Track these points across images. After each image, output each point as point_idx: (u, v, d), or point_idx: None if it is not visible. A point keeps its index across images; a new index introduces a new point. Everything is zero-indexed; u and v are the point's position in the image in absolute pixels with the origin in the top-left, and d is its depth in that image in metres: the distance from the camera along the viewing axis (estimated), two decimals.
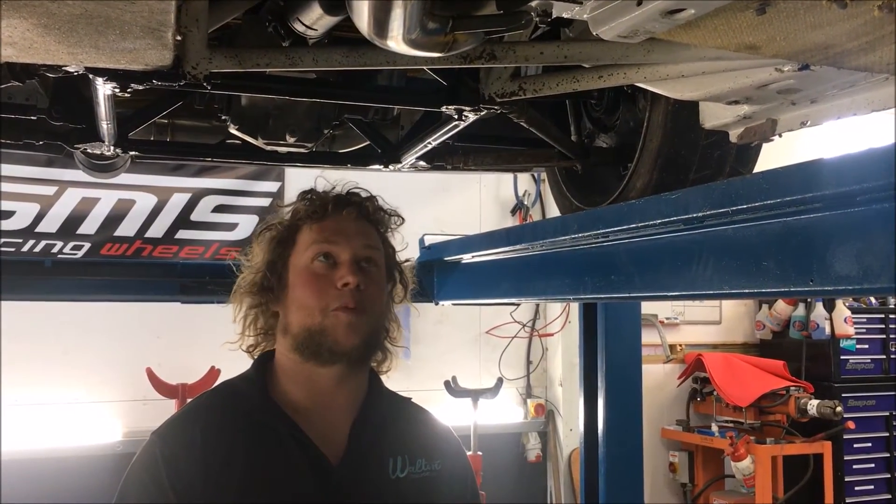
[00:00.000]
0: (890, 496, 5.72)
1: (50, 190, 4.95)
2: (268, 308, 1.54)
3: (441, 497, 1.51)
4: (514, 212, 6.01)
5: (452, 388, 4.99)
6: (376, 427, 1.50)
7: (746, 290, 1.45)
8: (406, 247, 1.68)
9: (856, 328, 5.70)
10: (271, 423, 1.44)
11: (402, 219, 1.66)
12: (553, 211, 5.73)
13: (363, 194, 1.61)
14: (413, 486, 1.47)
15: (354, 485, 1.42)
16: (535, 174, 5.85)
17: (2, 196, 4.83)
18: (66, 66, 1.54)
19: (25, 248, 4.92)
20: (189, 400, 1.55)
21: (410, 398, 1.67)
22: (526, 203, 6.00)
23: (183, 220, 5.23)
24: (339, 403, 1.49)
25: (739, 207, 1.41)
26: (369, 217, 1.59)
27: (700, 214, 1.51)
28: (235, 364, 1.59)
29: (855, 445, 5.62)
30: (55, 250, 4.97)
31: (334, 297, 1.45)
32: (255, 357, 1.57)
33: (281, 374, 1.50)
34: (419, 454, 1.51)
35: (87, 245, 5.05)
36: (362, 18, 1.28)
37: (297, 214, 1.56)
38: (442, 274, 2.85)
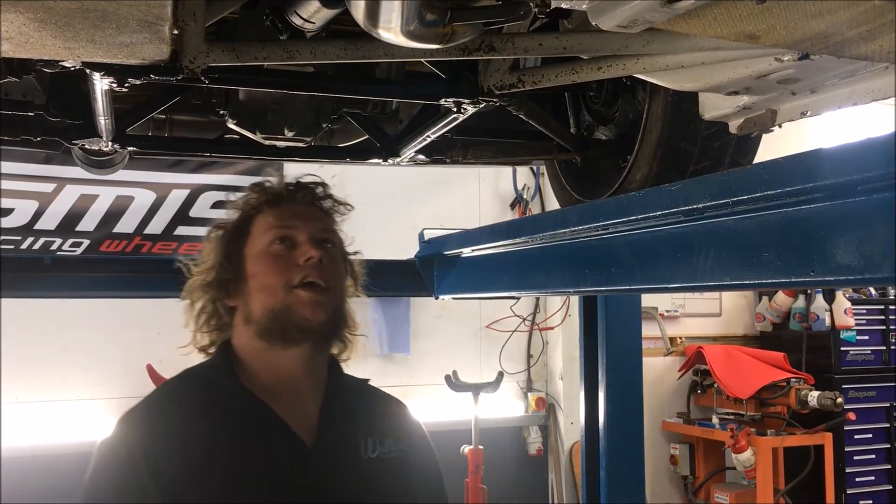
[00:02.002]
0: (891, 487, 5.74)
1: (48, 187, 4.94)
2: (223, 304, 1.53)
3: (411, 476, 1.54)
4: (513, 206, 6.01)
5: (453, 382, 4.99)
6: (345, 409, 1.52)
7: (747, 282, 1.45)
8: (353, 241, 1.69)
9: (856, 319, 5.70)
10: (247, 408, 1.44)
11: (352, 207, 1.68)
12: (552, 204, 5.73)
13: (315, 180, 1.63)
14: (384, 466, 1.50)
15: (331, 467, 1.44)
16: (535, 168, 5.85)
17: (1, 193, 4.82)
18: (62, 61, 1.54)
19: (24, 246, 4.91)
20: (154, 389, 1.52)
21: (369, 380, 1.67)
22: (525, 197, 5.99)
23: (182, 216, 5.22)
24: (305, 387, 1.50)
25: (740, 198, 1.41)
26: (322, 203, 1.62)
27: (700, 206, 1.50)
28: None
29: (856, 437, 5.63)
30: (54, 247, 4.96)
31: (296, 273, 1.46)
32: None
33: (245, 361, 1.50)
34: (387, 435, 1.54)
35: (86, 242, 5.04)
36: (360, 11, 1.27)
37: (249, 205, 1.57)
38: (442, 268, 2.84)
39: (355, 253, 1.70)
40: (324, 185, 1.65)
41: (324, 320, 1.47)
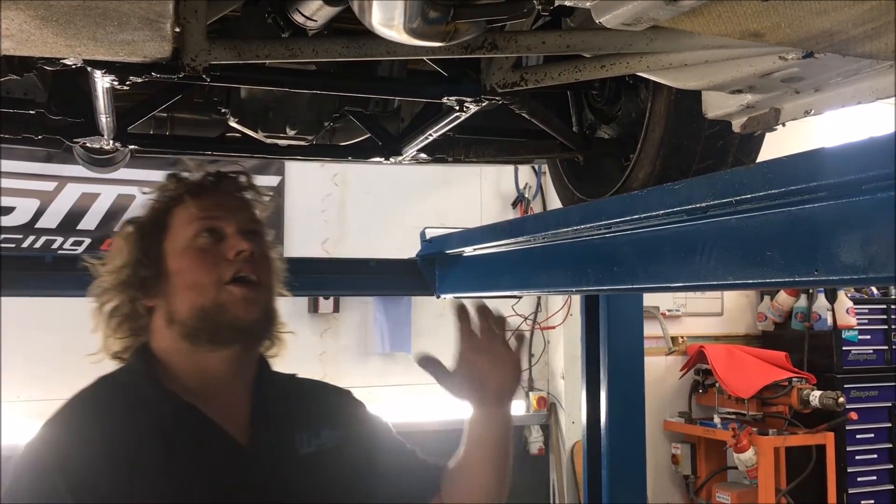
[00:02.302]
0: (893, 486, 5.73)
1: (49, 185, 4.94)
2: (140, 304, 1.41)
3: (351, 464, 1.48)
4: (515, 204, 6.00)
5: None
6: (278, 406, 1.45)
7: (751, 281, 1.45)
8: (273, 234, 1.60)
9: (858, 319, 5.69)
10: (173, 411, 1.34)
11: (270, 195, 1.61)
12: (554, 203, 5.72)
13: (237, 169, 1.54)
14: (321, 459, 1.43)
15: (269, 466, 1.37)
16: (536, 167, 5.84)
17: (1, 192, 4.82)
18: (63, 58, 1.53)
19: (26, 244, 4.91)
20: (69, 399, 1.39)
21: (296, 374, 1.59)
22: (527, 196, 5.98)
23: None
24: (234, 388, 1.42)
25: (743, 197, 1.41)
26: (246, 193, 1.52)
27: (703, 205, 1.50)
28: None
29: (857, 436, 5.62)
30: (55, 246, 4.96)
31: (227, 268, 1.37)
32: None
33: (167, 364, 1.39)
34: (323, 426, 1.47)
35: (87, 241, 5.04)
36: (363, 8, 1.27)
37: (164, 198, 1.46)
38: (443, 267, 2.84)
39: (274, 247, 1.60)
40: (247, 174, 1.54)
41: (257, 318, 1.39)
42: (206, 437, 1.35)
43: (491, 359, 1.55)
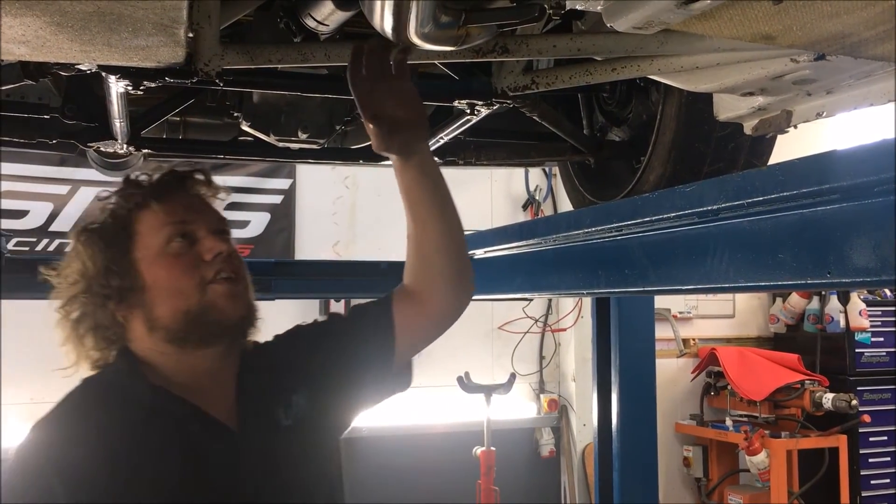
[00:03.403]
0: None
1: (63, 189, 4.97)
2: (111, 317, 1.38)
3: (327, 417, 1.50)
4: (525, 207, 6.00)
5: (465, 383, 4.99)
6: (258, 386, 1.45)
7: (763, 283, 1.45)
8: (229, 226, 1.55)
9: (871, 321, 5.65)
10: (166, 407, 1.34)
11: (229, 192, 1.55)
12: (564, 206, 5.72)
13: (195, 167, 1.51)
14: (300, 429, 1.44)
15: (257, 445, 1.39)
16: (547, 169, 5.84)
17: (9, 195, 4.85)
18: (78, 64, 1.54)
19: (39, 248, 4.94)
20: (58, 402, 1.36)
21: (269, 339, 1.57)
22: (537, 198, 5.98)
23: None
24: (221, 379, 1.43)
25: (755, 200, 1.41)
26: (207, 191, 1.50)
27: (715, 207, 1.50)
28: None
29: (870, 439, 5.58)
30: (69, 249, 4.98)
31: (207, 269, 1.37)
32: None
33: (152, 364, 1.39)
34: (294, 390, 1.47)
35: None
36: (374, 13, 1.28)
37: (125, 203, 1.42)
38: None
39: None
40: (205, 171, 1.51)
41: (242, 314, 1.40)
42: (196, 425, 1.36)
43: (388, 93, 1.49)
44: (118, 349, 1.41)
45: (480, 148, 2.66)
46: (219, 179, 1.54)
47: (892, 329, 5.82)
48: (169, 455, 1.31)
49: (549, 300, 5.93)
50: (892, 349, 5.78)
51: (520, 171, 5.87)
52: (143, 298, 1.37)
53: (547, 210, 5.98)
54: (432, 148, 2.43)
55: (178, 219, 1.40)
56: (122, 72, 1.65)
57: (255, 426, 1.41)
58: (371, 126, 1.49)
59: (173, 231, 1.38)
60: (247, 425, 1.40)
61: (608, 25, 1.24)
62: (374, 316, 1.60)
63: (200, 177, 1.49)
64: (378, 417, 4.93)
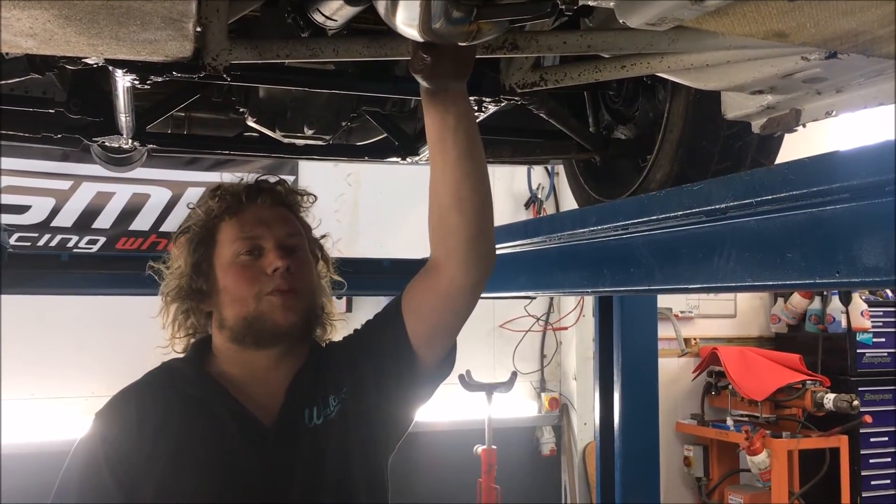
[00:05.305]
0: None
1: (65, 184, 4.97)
2: (199, 310, 1.59)
3: (358, 425, 1.53)
4: (527, 205, 6.00)
5: (467, 381, 4.99)
6: (305, 386, 1.54)
7: (770, 283, 1.44)
8: (320, 224, 1.71)
9: (872, 321, 5.65)
10: (205, 396, 1.50)
11: (315, 197, 1.69)
12: (567, 204, 5.71)
13: (272, 180, 1.65)
14: (326, 430, 1.50)
15: (287, 444, 1.47)
16: (549, 167, 5.84)
17: (11, 190, 4.84)
18: (86, 57, 1.54)
19: (41, 243, 4.94)
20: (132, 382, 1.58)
21: (331, 340, 1.69)
22: (540, 196, 5.98)
23: None
24: (276, 377, 1.54)
25: (763, 198, 1.40)
26: (283, 201, 1.62)
27: (723, 206, 1.50)
28: None
29: (871, 439, 5.58)
30: (70, 244, 4.99)
31: (266, 282, 1.50)
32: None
33: (219, 356, 1.56)
34: (332, 391, 1.55)
35: (102, 239, 5.07)
36: (384, 8, 1.27)
37: (211, 213, 1.58)
38: None
39: (323, 237, 1.72)
40: (282, 183, 1.66)
41: (295, 321, 1.51)
42: (230, 420, 1.47)
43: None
44: (199, 339, 1.61)
45: (485, 145, 2.64)
46: (252, 177, 1.65)
47: (894, 330, 5.82)
48: (203, 448, 1.44)
49: (551, 299, 5.93)
50: (894, 350, 5.78)
51: (522, 168, 5.86)
52: (218, 300, 1.54)
53: (549, 208, 5.98)
54: None
55: (248, 234, 1.54)
56: (129, 66, 1.64)
57: (287, 424, 1.49)
58: (422, 54, 1.37)
59: (242, 246, 1.53)
60: (280, 423, 1.49)
61: (620, 22, 1.23)
62: (387, 308, 1.65)
63: (277, 188, 1.62)
64: None
